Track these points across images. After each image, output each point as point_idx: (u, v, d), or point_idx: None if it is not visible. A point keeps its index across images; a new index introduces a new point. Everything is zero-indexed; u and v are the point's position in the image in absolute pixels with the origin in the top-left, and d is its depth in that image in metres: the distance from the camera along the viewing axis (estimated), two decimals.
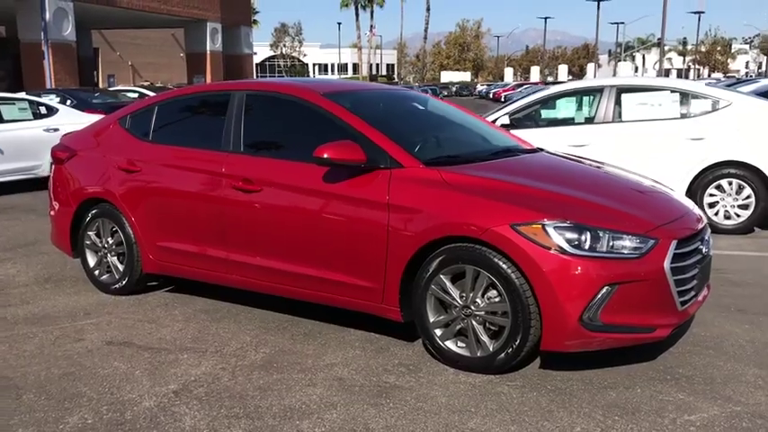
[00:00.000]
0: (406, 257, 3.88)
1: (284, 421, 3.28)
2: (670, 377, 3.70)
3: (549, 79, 73.70)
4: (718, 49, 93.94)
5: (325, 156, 4.00)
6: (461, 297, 3.76)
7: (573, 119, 7.94)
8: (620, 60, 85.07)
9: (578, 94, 8.11)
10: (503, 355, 3.67)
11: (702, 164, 7.19)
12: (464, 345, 3.83)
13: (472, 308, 3.73)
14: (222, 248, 4.63)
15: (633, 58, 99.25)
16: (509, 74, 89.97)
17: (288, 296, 4.51)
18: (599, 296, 3.46)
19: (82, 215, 5.39)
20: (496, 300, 3.68)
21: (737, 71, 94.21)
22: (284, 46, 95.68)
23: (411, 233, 3.83)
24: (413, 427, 3.20)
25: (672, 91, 7.52)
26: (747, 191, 7.13)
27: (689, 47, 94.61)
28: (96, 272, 5.40)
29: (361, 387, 3.64)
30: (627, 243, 3.54)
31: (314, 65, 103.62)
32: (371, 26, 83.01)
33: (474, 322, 3.75)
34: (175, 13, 33.99)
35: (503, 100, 46.31)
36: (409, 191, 3.90)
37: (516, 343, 3.62)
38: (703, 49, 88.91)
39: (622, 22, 77.60)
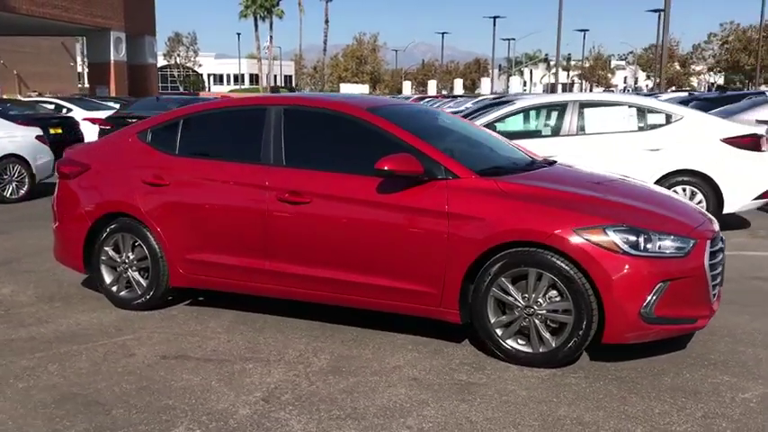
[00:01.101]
0: (466, 263, 4.14)
1: (388, 420, 3.46)
2: (707, 362, 4.15)
3: (444, 92, 75.87)
4: (599, 64, 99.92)
5: (387, 168, 4.21)
6: (524, 298, 4.06)
7: (540, 131, 8.47)
8: (511, 75, 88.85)
9: (545, 108, 8.65)
10: (565, 349, 4.00)
11: (659, 172, 7.87)
12: (524, 342, 4.12)
13: (535, 307, 4.04)
14: (265, 259, 4.71)
15: (522, 73, 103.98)
16: (407, 87, 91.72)
17: (338, 304, 4.66)
18: (654, 292, 3.86)
19: (97, 230, 5.29)
20: (557, 299, 4.01)
21: (616, 85, 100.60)
22: (178, 56, 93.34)
23: (473, 240, 4.10)
24: (512, 418, 3.46)
25: (629, 106, 8.19)
26: (699, 196, 7.86)
27: (572, 62, 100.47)
28: (114, 288, 5.31)
29: (439, 385, 3.86)
30: (673, 244, 3.96)
31: (209, 75, 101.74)
32: (270, 37, 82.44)
33: (536, 321, 4.05)
34: (78, 21, 32.67)
35: None
36: (468, 200, 4.17)
37: (578, 338, 3.96)
38: (587, 64, 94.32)
39: (513, 39, 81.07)
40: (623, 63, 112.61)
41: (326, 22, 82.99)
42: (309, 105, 5.01)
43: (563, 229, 3.92)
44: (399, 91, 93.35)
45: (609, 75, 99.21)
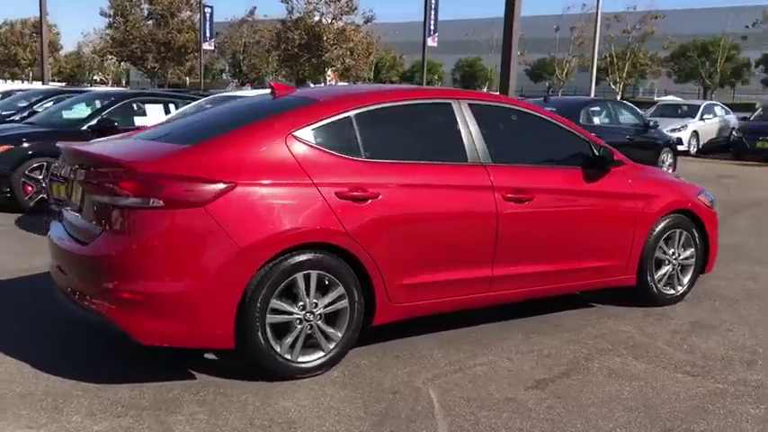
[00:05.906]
0: (645, 233, 5.08)
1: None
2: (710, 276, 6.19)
3: None
4: None
5: (616, 159, 4.78)
6: (672, 253, 5.30)
7: None
8: None
9: None
10: (691, 285, 5.46)
11: None
12: (667, 287, 5.35)
13: (678, 259, 5.33)
14: (488, 266, 4.37)
15: None
16: None
17: (541, 296, 4.80)
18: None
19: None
20: (682, 249, 5.39)
21: None
22: None
23: (651, 213, 5.07)
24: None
25: None
26: None
27: None
28: (288, 356, 3.73)
29: (685, 330, 4.81)
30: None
31: None
32: None
33: (678, 269, 5.36)
34: None
35: None
36: (641, 182, 5.10)
37: (696, 274, 5.47)
38: None
39: None
40: None
41: None
42: (491, 101, 4.81)
43: (694, 198, 5.37)
44: None
45: None
